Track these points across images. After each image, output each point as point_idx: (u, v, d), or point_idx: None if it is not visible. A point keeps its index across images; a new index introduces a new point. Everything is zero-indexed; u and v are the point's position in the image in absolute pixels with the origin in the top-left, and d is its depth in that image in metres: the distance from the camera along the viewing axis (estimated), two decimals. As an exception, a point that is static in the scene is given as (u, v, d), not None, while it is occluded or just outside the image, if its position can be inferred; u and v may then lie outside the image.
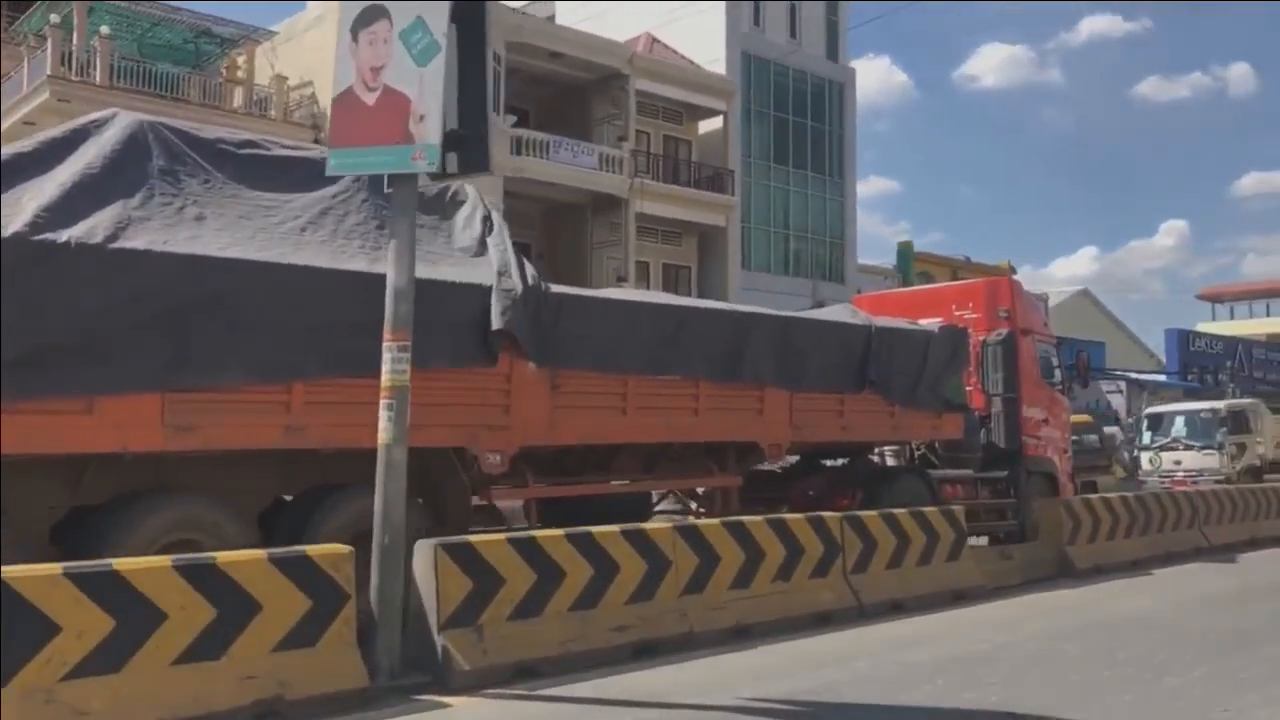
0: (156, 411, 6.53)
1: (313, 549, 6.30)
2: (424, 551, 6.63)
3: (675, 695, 6.31)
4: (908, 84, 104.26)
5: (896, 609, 9.16)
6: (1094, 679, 6.77)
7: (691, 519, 10.04)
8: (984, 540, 12.26)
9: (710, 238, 34.52)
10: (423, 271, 7.77)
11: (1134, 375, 31.58)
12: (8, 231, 6.06)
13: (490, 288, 8.00)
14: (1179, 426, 23.50)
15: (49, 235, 6.21)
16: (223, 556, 5.93)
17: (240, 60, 28.87)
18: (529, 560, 6.99)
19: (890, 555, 9.48)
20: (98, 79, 24.41)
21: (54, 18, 24.66)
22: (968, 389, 13.90)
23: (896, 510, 9.80)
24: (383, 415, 6.57)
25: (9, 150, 6.95)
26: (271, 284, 6.92)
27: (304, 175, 8.01)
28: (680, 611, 7.71)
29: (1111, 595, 10.57)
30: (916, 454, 13.88)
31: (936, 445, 13.31)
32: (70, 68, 24.39)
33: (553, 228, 31.91)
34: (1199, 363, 36.47)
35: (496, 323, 7.88)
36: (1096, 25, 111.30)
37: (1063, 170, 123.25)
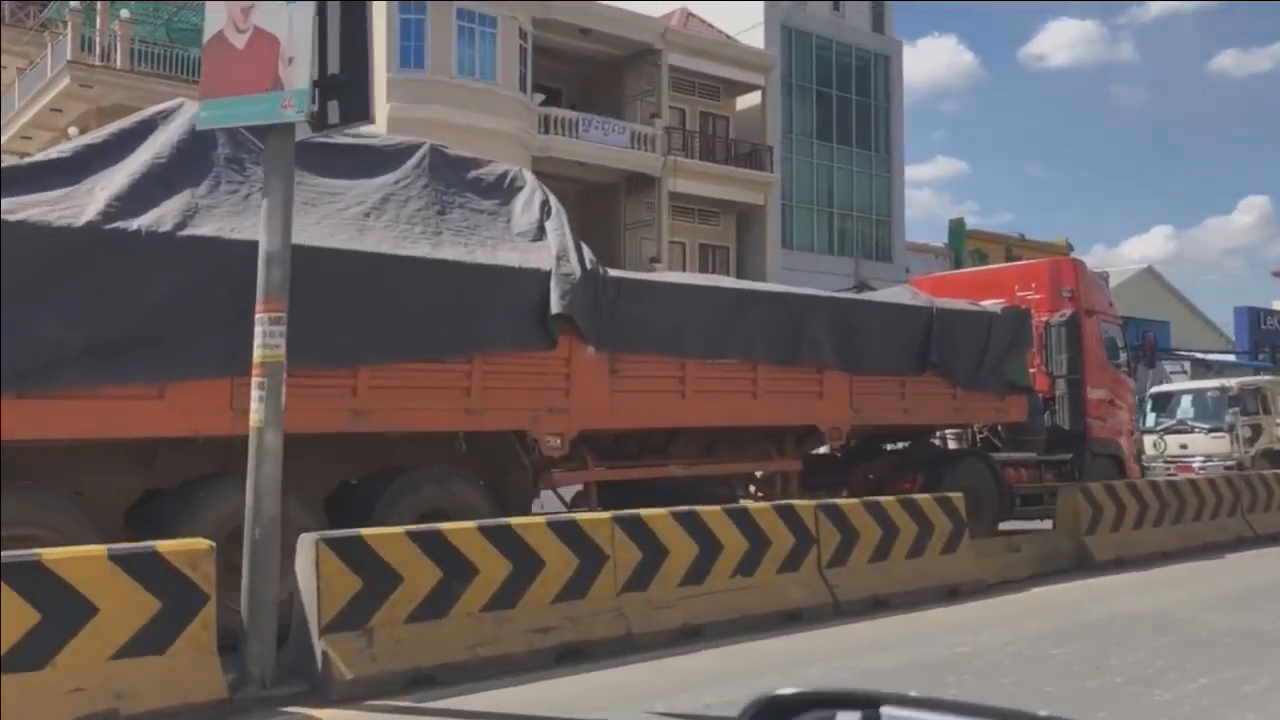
0: (226, 396, 6.96)
1: (165, 545, 5.86)
2: (305, 547, 6.21)
3: (580, 706, 5.89)
4: (974, 63, 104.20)
5: (879, 606, 8.68)
6: (1072, 690, 6.22)
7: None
8: (1049, 524, 12.44)
9: (749, 216, 34.49)
10: (483, 256, 8.21)
11: (1200, 355, 31.22)
12: (81, 220, 6.49)
13: (549, 272, 8.35)
14: (1185, 407, 21.60)
15: (120, 224, 6.64)
16: (51, 554, 5.52)
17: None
18: (434, 556, 6.55)
19: (874, 547, 8.97)
20: (118, 63, 25.01)
21: (74, 4, 25.27)
22: (1031, 371, 14.20)
23: (883, 498, 9.45)
24: (254, 395, 6.14)
25: (81, 142, 7.40)
26: (339, 270, 7.31)
27: (367, 162, 8.44)
28: (617, 611, 7.26)
29: (1125, 590, 9.95)
30: (979, 437, 14.17)
31: (999, 428, 13.56)
32: (92, 52, 25.00)
33: (586, 208, 31.91)
34: (1271, 341, 36.16)
35: (556, 307, 8.24)
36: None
37: (1135, 148, 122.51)
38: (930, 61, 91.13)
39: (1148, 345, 16.64)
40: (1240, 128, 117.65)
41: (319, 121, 6.16)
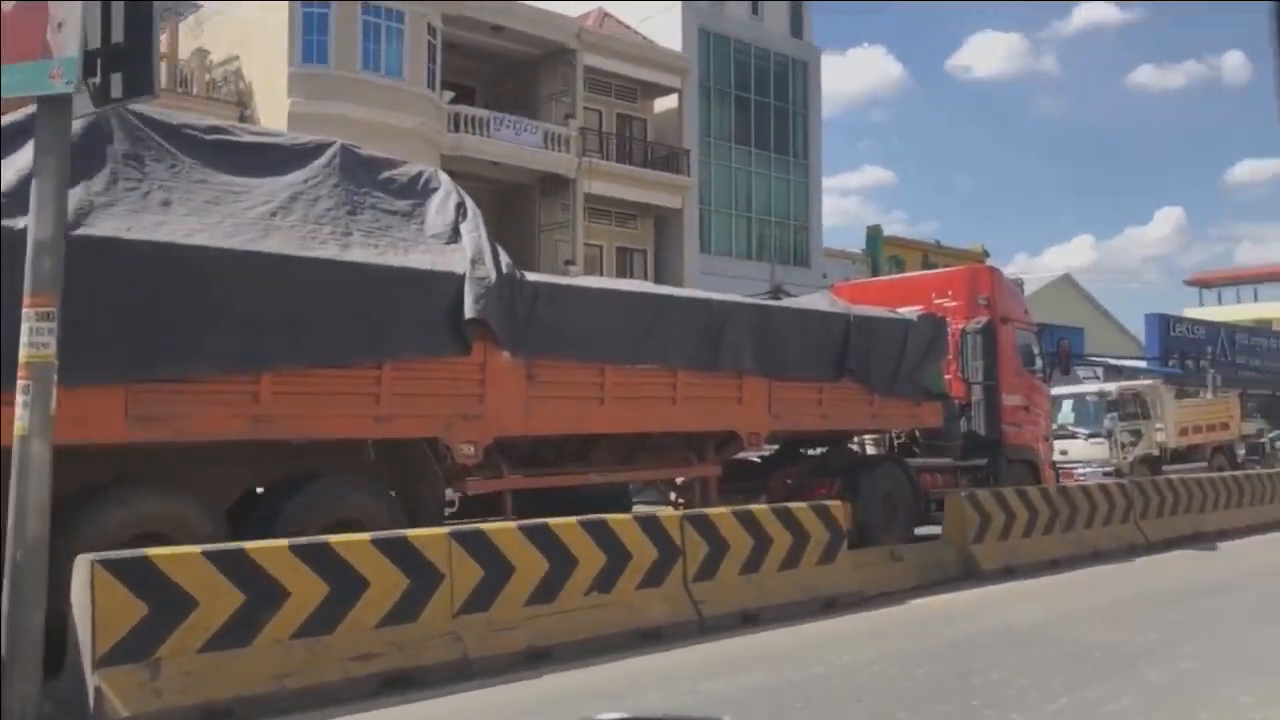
0: (119, 403, 6.78)
1: None
2: (80, 569, 5.71)
3: None
4: (903, 74, 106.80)
5: (748, 621, 8.38)
6: (925, 714, 6.04)
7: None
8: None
9: (666, 220, 34.77)
10: (394, 259, 8.15)
11: (1111, 361, 32.28)
12: None
13: (463, 275, 8.32)
14: (1066, 412, 21.51)
15: (7, 222, 6.43)
16: None
17: (162, 36, 28.69)
18: (235, 578, 6.10)
19: (745, 559, 8.67)
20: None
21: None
22: (947, 377, 14.57)
23: (755, 507, 9.26)
24: (19, 400, 5.59)
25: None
26: (241, 271, 7.18)
27: (273, 160, 8.31)
28: (453, 635, 6.88)
29: (1006, 602, 9.70)
30: (897, 442, 14.49)
31: (917, 434, 13.88)
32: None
33: (501, 210, 31.70)
34: (1180, 348, 37.50)
35: (470, 311, 8.21)
36: (1091, 14, 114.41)
37: (1058, 159, 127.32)
38: (859, 72, 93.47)
39: (1062, 352, 17.17)
40: (1157, 141, 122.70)
41: (101, 95, 5.63)
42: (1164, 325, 38.72)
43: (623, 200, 33.08)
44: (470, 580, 7.04)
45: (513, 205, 31.94)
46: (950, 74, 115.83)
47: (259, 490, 8.07)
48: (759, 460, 13.24)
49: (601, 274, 31.14)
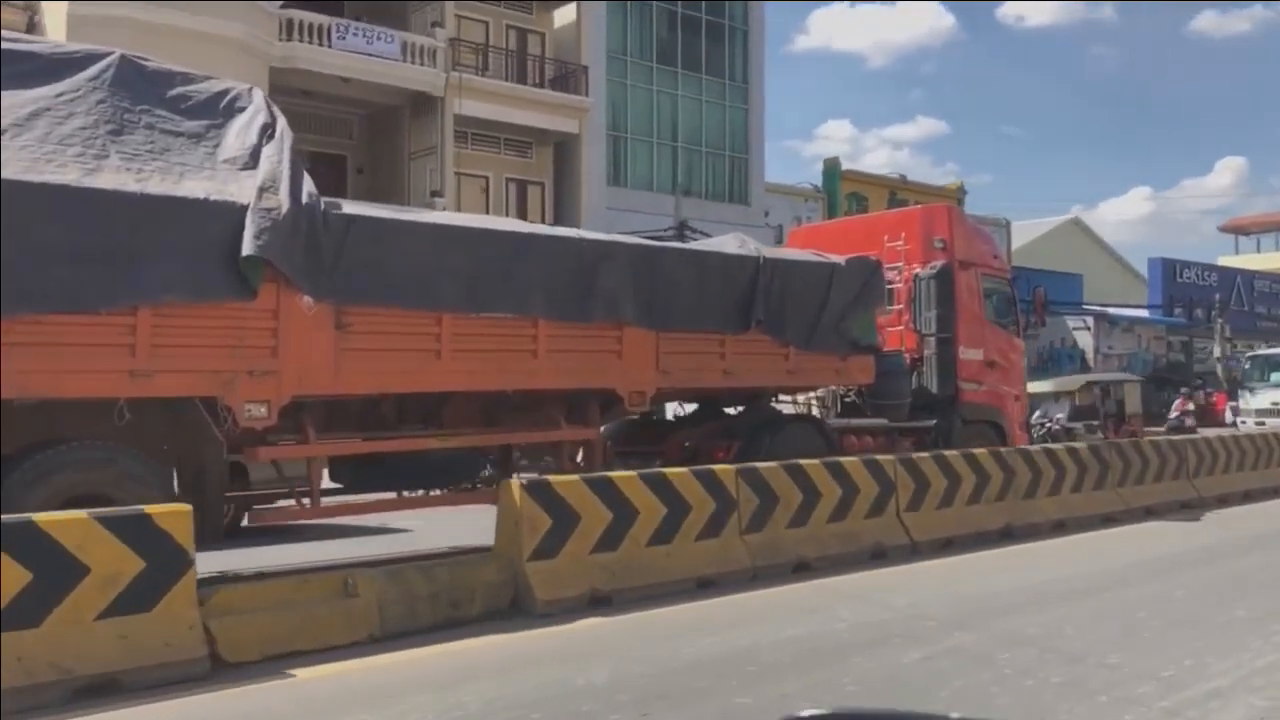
0: None
1: None
2: None
3: None
4: (954, 25, 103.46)
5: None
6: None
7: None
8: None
9: (568, 148, 30.39)
10: (156, 186, 6.88)
11: (1099, 309, 29.69)
12: None
13: (246, 206, 6.98)
14: None
15: None
16: None
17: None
18: None
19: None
20: None
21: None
22: (898, 329, 13.08)
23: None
24: None
25: None
26: None
27: (25, 72, 7.08)
28: None
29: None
30: (845, 400, 13.08)
31: (863, 391, 12.47)
32: None
33: (372, 136, 28.46)
34: (1187, 295, 34.65)
35: (249, 248, 6.94)
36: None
37: (1114, 109, 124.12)
38: (910, 23, 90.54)
39: (1038, 301, 15.60)
40: (1218, 89, 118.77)
41: None
42: (1169, 271, 35.93)
43: (511, 124, 28.88)
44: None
45: (384, 130, 28.49)
46: (1002, 24, 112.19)
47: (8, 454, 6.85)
48: (675, 420, 11.89)
49: (489, 208, 28.38)
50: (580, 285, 8.93)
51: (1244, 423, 28.12)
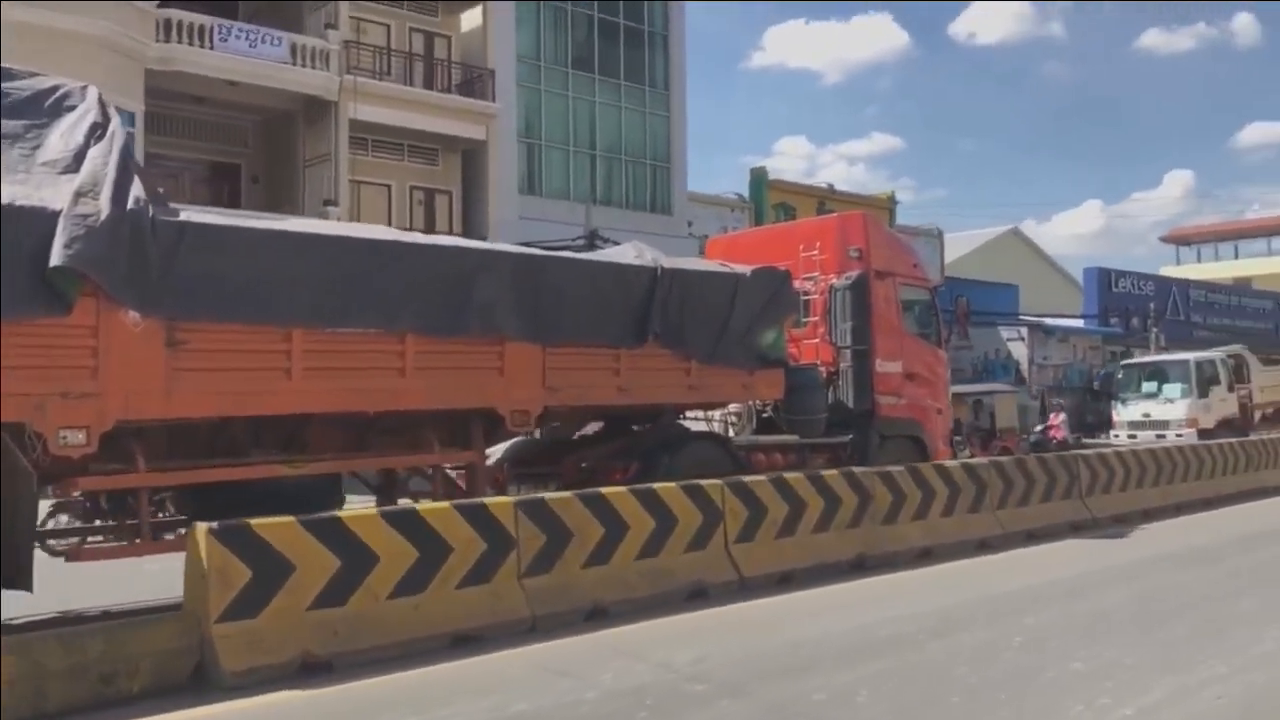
0: None
1: None
2: None
3: None
4: (908, 43, 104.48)
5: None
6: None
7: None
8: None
9: (476, 155, 29.53)
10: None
11: (1034, 319, 29.23)
12: None
13: (58, 213, 6.29)
14: None
15: None
16: None
17: None
18: None
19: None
20: None
21: None
22: (813, 341, 12.59)
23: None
24: None
25: None
26: None
27: None
28: None
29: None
30: (761, 415, 12.55)
31: (778, 407, 11.94)
32: None
33: (267, 144, 27.51)
34: (1123, 305, 34.33)
35: (58, 258, 6.26)
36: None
37: (1066, 124, 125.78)
38: (864, 39, 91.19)
39: (960, 311, 15.15)
40: (1165, 105, 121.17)
41: None
42: (1104, 280, 35.45)
43: (415, 131, 28.06)
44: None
45: (279, 138, 27.48)
46: (955, 40, 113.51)
47: None
48: (577, 440, 11.26)
49: (392, 217, 27.39)
50: (455, 297, 8.30)
51: (1116, 436, 26.68)
